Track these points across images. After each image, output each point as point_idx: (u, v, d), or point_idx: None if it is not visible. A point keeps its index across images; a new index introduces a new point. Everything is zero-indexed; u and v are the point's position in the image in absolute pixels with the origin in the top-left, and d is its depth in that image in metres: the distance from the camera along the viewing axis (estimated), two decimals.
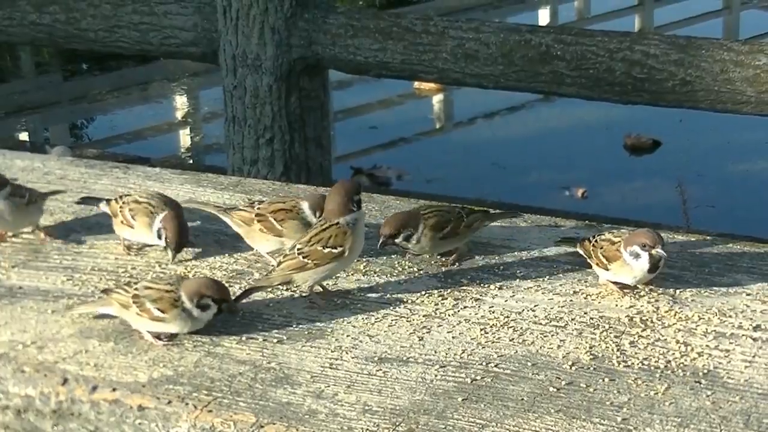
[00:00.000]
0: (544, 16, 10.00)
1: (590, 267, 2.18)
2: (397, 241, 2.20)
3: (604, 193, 6.22)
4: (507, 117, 7.52)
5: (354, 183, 2.17)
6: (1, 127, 7.69)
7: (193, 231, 2.41)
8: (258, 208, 2.29)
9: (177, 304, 1.99)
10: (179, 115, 8.01)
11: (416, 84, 7.74)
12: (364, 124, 7.49)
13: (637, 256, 2.06)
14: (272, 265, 2.21)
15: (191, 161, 6.98)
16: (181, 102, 8.20)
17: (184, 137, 7.60)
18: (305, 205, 2.28)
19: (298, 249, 2.10)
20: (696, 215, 5.57)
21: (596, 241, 2.13)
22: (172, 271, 2.24)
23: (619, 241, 2.10)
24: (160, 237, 2.27)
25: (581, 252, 2.18)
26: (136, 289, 2.03)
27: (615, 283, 2.12)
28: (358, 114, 7.68)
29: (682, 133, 6.84)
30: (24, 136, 7.61)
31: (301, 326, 2.04)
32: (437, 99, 7.89)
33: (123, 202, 2.34)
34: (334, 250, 2.08)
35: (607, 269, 2.10)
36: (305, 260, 2.08)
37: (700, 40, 4.04)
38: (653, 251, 2.05)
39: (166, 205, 2.31)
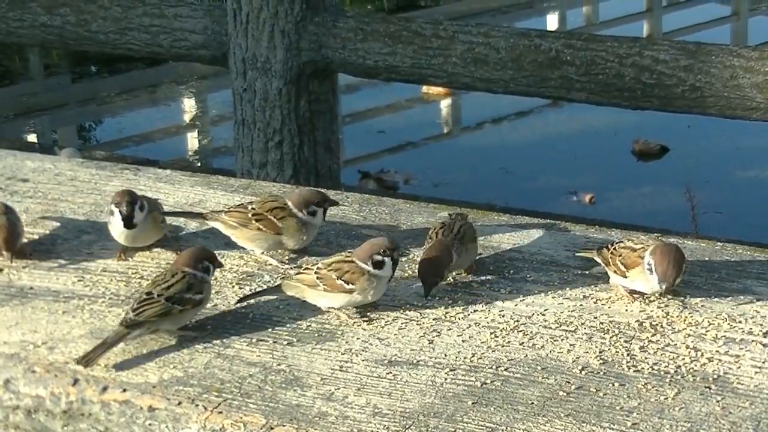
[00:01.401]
0: (552, 22, 10.01)
1: (601, 272, 2.18)
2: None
3: (611, 198, 6.22)
4: (515, 122, 7.53)
5: (391, 244, 2.10)
6: (10, 128, 7.71)
7: (202, 234, 2.42)
8: (253, 208, 2.30)
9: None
10: (187, 117, 8.03)
11: (424, 88, 7.75)
12: (371, 128, 7.51)
13: (651, 273, 2.06)
14: (275, 265, 2.24)
15: (199, 164, 7.00)
16: (189, 105, 8.22)
17: (192, 140, 7.62)
18: (290, 204, 2.29)
19: (317, 267, 2.09)
20: (704, 221, 5.57)
21: (614, 249, 2.13)
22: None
23: (642, 248, 2.08)
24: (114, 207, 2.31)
25: (599, 260, 2.17)
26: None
27: (631, 291, 2.11)
28: (366, 118, 7.70)
29: (690, 139, 6.84)
30: (32, 137, 7.64)
31: (311, 328, 2.04)
32: (445, 103, 7.91)
33: None
34: (345, 285, 2.06)
35: (625, 276, 2.09)
36: (318, 281, 2.07)
37: (710, 46, 4.05)
38: (662, 286, 2.05)
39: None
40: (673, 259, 2.05)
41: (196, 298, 2.04)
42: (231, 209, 2.33)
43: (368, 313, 2.07)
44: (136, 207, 2.28)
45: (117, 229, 2.29)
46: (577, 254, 2.27)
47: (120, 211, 2.27)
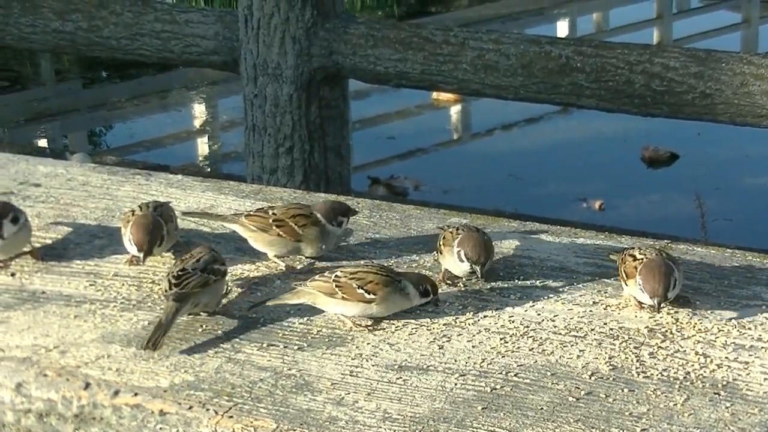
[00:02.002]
0: (562, 28, 10.01)
1: (610, 277, 2.19)
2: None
3: (621, 205, 6.22)
4: (524, 128, 7.53)
5: (429, 281, 2.11)
6: (21, 133, 7.73)
7: (214, 239, 2.42)
8: (274, 213, 2.31)
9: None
10: (198, 123, 8.04)
11: (434, 94, 7.76)
12: (381, 134, 7.51)
13: (642, 292, 2.07)
14: (285, 270, 2.27)
15: (209, 169, 7.01)
16: (199, 110, 8.23)
17: (202, 145, 7.63)
18: (319, 215, 2.30)
19: (336, 275, 2.08)
20: (713, 228, 5.57)
21: (624, 256, 2.13)
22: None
23: (642, 259, 2.09)
24: (131, 244, 2.28)
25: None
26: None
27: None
28: (375, 124, 7.70)
29: (700, 146, 6.84)
30: (43, 142, 7.65)
31: (321, 334, 2.05)
32: (455, 110, 7.91)
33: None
34: (366, 295, 2.05)
35: (626, 284, 2.10)
36: (337, 289, 2.06)
37: (720, 53, 4.05)
38: (654, 301, 2.04)
39: (140, 212, 2.32)
40: (659, 275, 2.04)
41: (222, 268, 2.12)
42: (251, 213, 2.34)
43: (374, 323, 2.07)
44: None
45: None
46: (611, 256, 2.26)
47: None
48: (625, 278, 2.10)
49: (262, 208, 2.37)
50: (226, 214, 2.45)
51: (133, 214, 2.31)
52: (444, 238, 2.24)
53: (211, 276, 2.09)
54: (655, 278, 2.04)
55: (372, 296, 2.05)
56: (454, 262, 2.20)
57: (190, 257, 2.12)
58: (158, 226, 2.28)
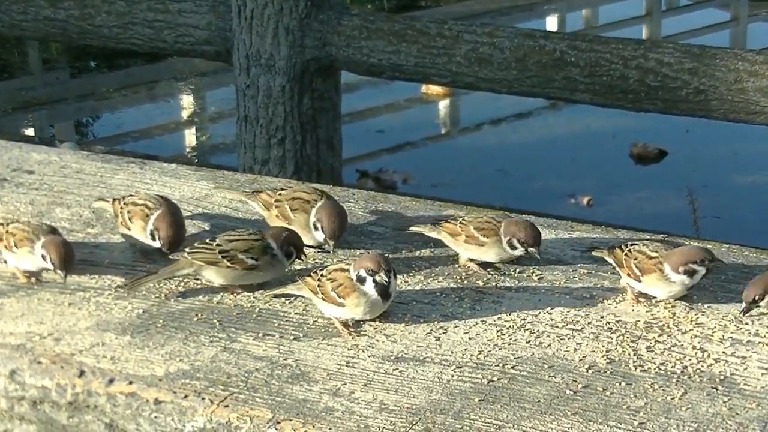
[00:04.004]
0: (551, 24, 10.00)
1: (607, 271, 2.19)
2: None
3: (609, 201, 6.22)
4: (514, 123, 7.51)
5: (378, 265, 2.00)
6: (8, 122, 7.69)
7: (211, 228, 2.42)
8: (279, 194, 2.35)
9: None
10: (186, 114, 8.01)
11: (423, 88, 7.75)
12: (370, 127, 7.50)
13: (691, 273, 2.06)
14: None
15: (197, 161, 6.98)
16: (188, 101, 8.20)
17: (191, 137, 7.60)
18: (311, 219, 2.29)
19: (321, 274, 2.06)
20: (702, 225, 5.57)
21: (629, 251, 2.12)
22: None
23: (657, 257, 2.08)
24: (153, 238, 2.25)
25: (611, 260, 2.17)
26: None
27: (638, 294, 2.11)
28: (365, 117, 7.68)
29: (689, 143, 6.84)
30: (30, 132, 7.62)
31: (317, 324, 2.04)
32: (444, 104, 7.90)
33: (123, 203, 2.33)
34: (337, 299, 2.02)
35: (639, 281, 2.09)
36: (318, 289, 2.04)
37: (715, 49, 4.06)
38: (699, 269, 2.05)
39: (162, 205, 2.29)
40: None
41: (248, 261, 2.12)
42: (266, 192, 2.39)
43: (364, 325, 2.04)
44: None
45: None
46: (593, 253, 2.25)
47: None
48: (640, 274, 2.08)
49: (279, 189, 2.41)
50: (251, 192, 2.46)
51: (148, 208, 2.28)
52: (482, 229, 2.20)
53: (224, 260, 2.11)
54: (698, 253, 2.06)
55: (342, 300, 2.02)
56: (500, 250, 2.20)
57: (245, 235, 2.16)
58: (182, 223, 2.29)
